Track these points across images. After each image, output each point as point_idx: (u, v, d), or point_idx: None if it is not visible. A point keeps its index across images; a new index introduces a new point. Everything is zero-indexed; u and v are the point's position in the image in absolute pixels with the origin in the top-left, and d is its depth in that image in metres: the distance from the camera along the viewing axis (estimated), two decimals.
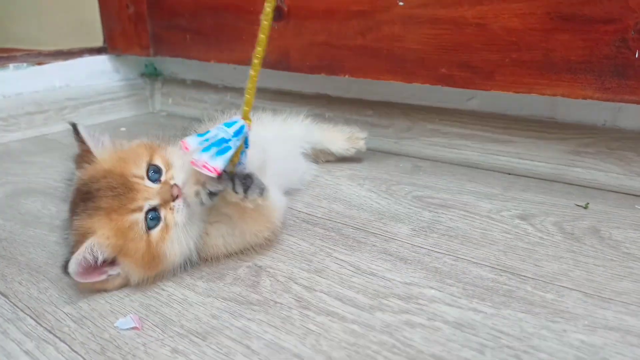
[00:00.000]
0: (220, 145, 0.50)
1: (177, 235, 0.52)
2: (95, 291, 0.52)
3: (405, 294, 0.50)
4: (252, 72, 0.53)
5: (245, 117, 0.54)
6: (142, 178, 0.52)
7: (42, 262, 0.59)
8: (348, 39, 0.87)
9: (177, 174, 0.53)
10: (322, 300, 0.49)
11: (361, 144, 0.87)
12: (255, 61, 0.53)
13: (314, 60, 0.93)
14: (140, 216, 0.50)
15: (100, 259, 0.49)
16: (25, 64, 1.17)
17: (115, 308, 0.49)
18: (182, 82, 1.34)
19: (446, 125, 0.91)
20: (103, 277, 0.51)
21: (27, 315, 0.49)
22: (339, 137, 0.87)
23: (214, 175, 0.49)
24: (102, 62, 1.30)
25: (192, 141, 0.51)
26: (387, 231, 0.64)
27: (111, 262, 0.51)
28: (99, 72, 1.29)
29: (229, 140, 0.51)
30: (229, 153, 0.51)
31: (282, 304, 0.49)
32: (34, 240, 0.64)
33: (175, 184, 0.52)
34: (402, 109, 0.96)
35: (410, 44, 0.80)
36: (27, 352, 0.44)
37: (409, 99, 0.95)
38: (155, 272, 0.52)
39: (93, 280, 0.50)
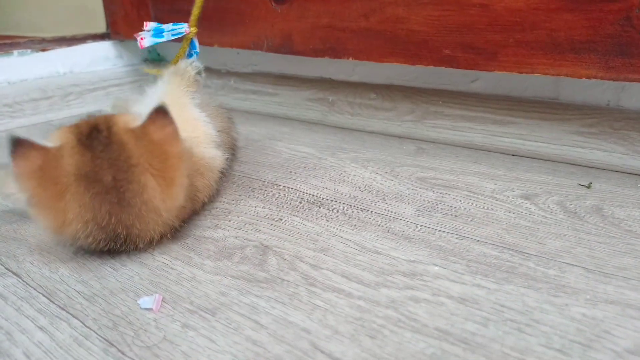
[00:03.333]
0: (157, 32, 0.76)
1: None
2: None
3: (410, 271, 0.51)
4: None
5: (192, 25, 0.77)
6: None
7: (53, 244, 0.60)
8: (351, 21, 0.87)
9: None
10: (328, 278, 0.50)
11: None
12: None
13: (317, 43, 0.93)
14: None
15: None
16: (29, 51, 1.18)
17: (126, 286, 0.50)
18: None
19: (449, 107, 0.91)
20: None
21: (40, 293, 0.50)
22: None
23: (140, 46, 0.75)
24: (106, 48, 1.31)
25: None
26: (391, 211, 0.64)
27: None
28: (102, 58, 1.30)
29: (164, 31, 0.76)
30: (160, 39, 0.75)
31: (289, 281, 0.50)
32: None
33: None
34: (405, 91, 0.96)
35: (414, 25, 0.80)
36: (41, 328, 0.45)
37: (412, 82, 0.96)
38: None
39: None
